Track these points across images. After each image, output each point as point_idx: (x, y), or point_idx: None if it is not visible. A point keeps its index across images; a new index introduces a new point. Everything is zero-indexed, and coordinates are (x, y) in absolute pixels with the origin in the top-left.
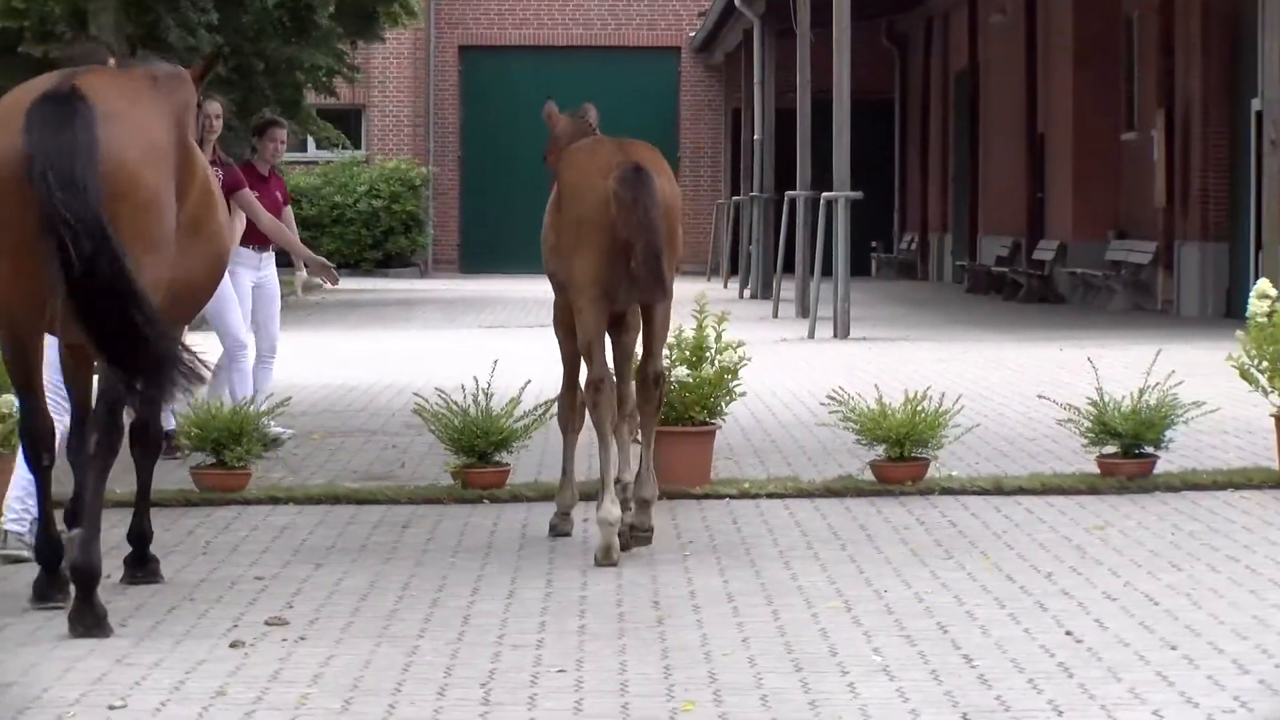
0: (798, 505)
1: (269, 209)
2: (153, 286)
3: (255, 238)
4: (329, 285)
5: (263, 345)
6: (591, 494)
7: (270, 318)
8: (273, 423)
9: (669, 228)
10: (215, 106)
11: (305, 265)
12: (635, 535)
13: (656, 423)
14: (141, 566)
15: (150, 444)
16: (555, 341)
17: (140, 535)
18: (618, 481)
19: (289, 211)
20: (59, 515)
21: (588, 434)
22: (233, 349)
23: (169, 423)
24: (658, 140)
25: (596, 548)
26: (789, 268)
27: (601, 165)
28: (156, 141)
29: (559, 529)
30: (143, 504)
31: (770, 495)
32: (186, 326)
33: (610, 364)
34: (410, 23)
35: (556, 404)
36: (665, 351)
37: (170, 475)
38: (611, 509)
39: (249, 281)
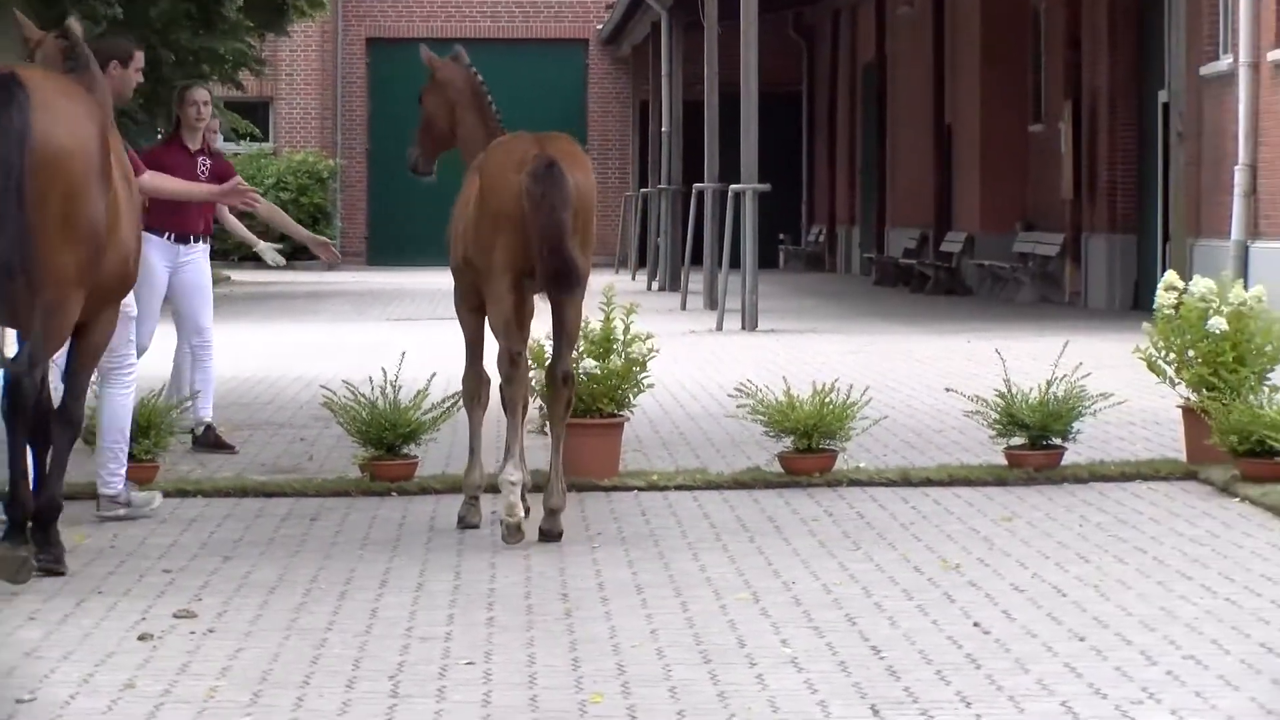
0: (706, 497)
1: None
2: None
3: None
4: (271, 263)
5: (191, 338)
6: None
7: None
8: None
9: (582, 223)
10: (203, 93)
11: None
12: (545, 537)
13: (565, 424)
14: (47, 547)
15: (65, 423)
16: (460, 328)
17: (50, 501)
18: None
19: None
20: None
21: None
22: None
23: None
24: (565, 132)
25: (501, 507)
26: (697, 260)
27: (517, 159)
28: (88, 135)
29: (467, 520)
30: (56, 474)
31: (678, 487)
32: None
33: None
34: (317, 15)
35: (461, 383)
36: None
37: (79, 468)
38: (514, 472)
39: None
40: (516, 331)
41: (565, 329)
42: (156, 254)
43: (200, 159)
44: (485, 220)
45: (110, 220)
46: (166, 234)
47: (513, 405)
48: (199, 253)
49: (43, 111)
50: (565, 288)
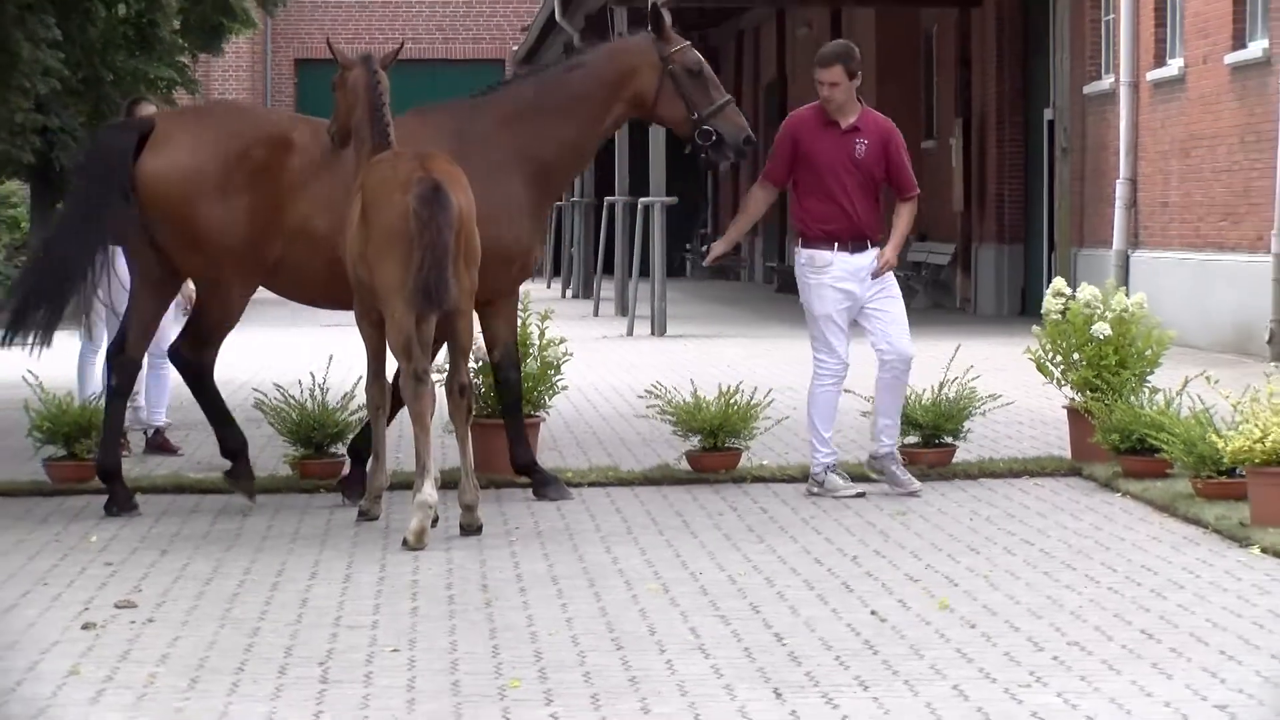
0: (618, 493)
1: None
2: None
3: None
4: None
5: (152, 348)
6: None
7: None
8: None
9: (465, 240)
10: (150, 108)
11: None
12: (465, 532)
13: (468, 429)
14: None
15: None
16: (362, 340)
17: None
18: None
19: None
20: None
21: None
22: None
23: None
24: None
25: (409, 529)
26: (609, 269)
27: (402, 179)
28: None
29: (369, 514)
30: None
31: (592, 484)
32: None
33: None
34: (247, 32)
35: (365, 393)
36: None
37: (24, 466)
38: (431, 493)
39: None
40: (419, 351)
41: (458, 343)
42: (118, 260)
43: None
44: (373, 240)
45: None
46: None
47: (421, 420)
48: None
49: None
50: (436, 305)
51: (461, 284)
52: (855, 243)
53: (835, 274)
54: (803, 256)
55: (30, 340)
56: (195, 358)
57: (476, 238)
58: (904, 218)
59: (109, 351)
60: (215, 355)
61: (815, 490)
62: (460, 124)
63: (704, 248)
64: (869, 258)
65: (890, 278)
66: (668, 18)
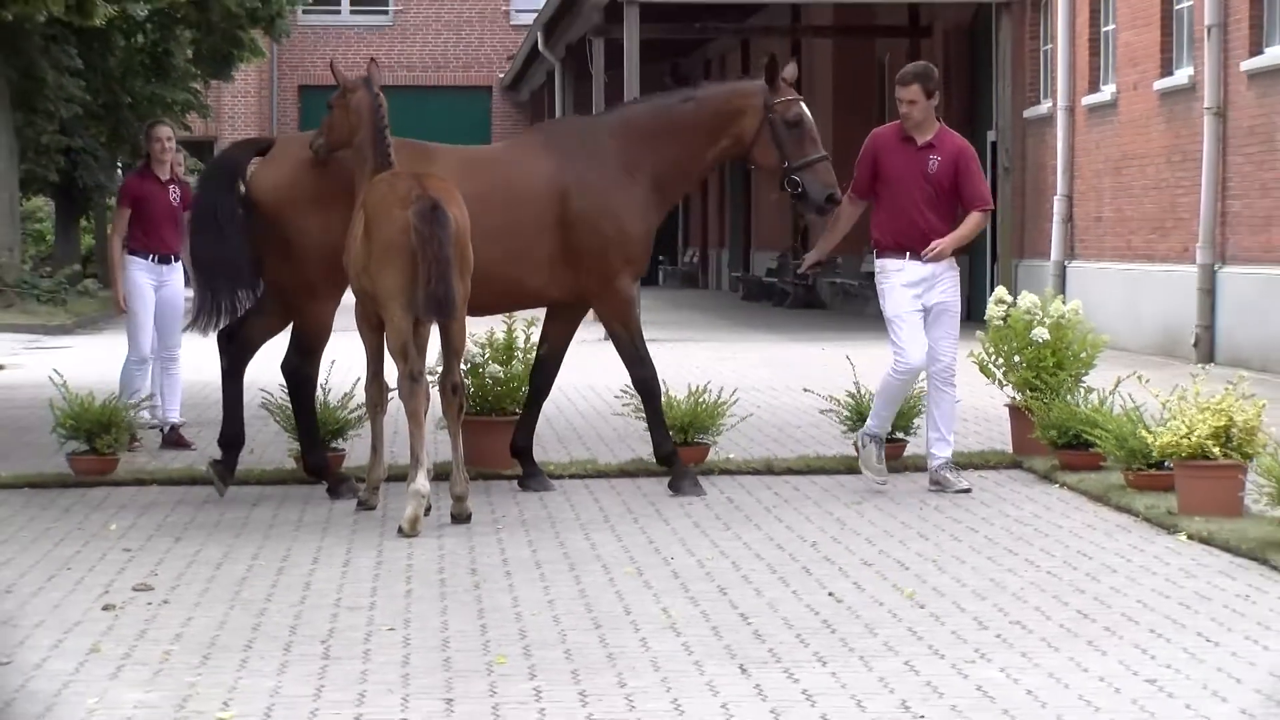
0: (596, 484)
1: (162, 217)
2: None
3: (150, 240)
4: None
5: (160, 350)
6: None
7: (172, 327)
8: (160, 413)
9: (460, 252)
10: (165, 130)
11: None
12: (456, 520)
13: (460, 426)
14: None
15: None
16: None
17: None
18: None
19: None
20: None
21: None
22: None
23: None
24: None
25: (403, 517)
26: None
27: (401, 196)
28: None
29: (366, 503)
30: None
31: (572, 476)
32: None
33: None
34: (255, 60)
35: (364, 392)
36: (480, 350)
37: (49, 460)
38: (424, 483)
39: (148, 287)
40: (415, 353)
41: (452, 346)
42: (143, 273)
43: (171, 187)
44: (375, 253)
45: None
46: (150, 255)
47: (416, 416)
48: (175, 271)
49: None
50: (446, 314)
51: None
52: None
53: (904, 278)
54: (877, 265)
55: (215, 324)
56: (298, 367)
57: (470, 250)
58: (968, 223)
59: (221, 336)
60: (317, 365)
61: (857, 450)
62: (579, 136)
63: (795, 261)
64: (937, 268)
65: (952, 292)
66: (789, 72)
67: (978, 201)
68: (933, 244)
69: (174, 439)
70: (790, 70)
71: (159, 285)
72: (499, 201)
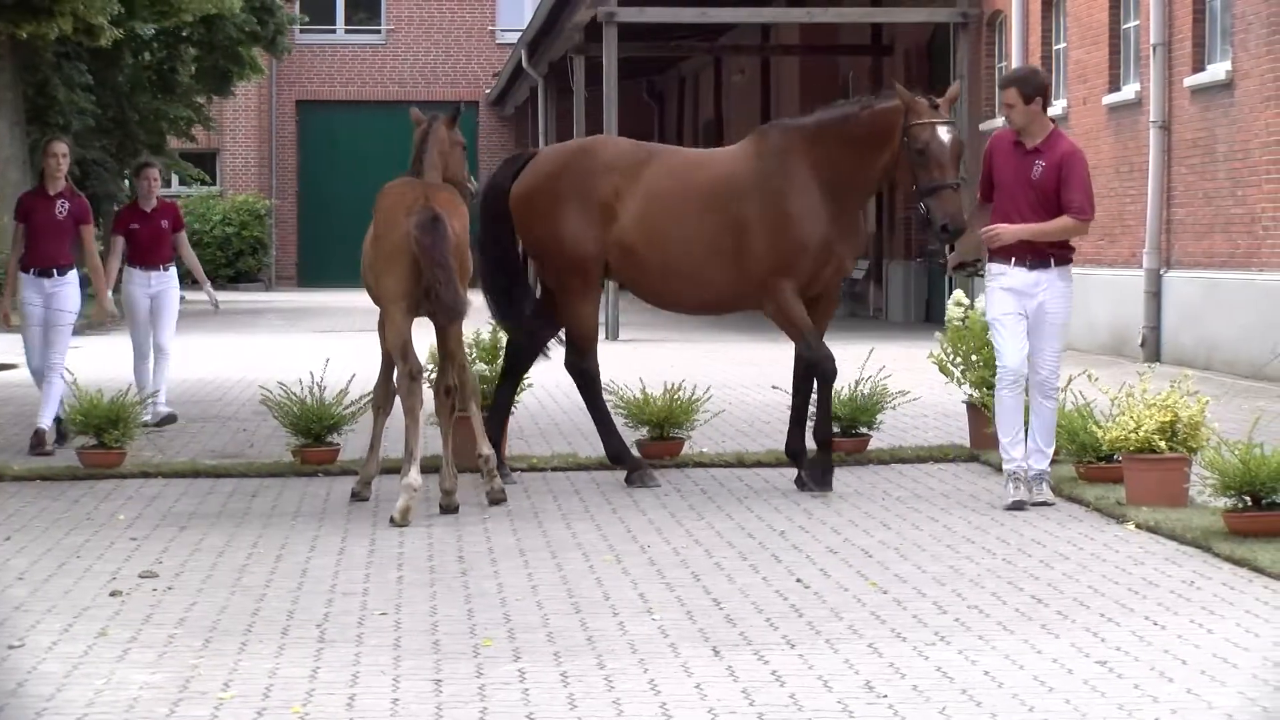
0: (577, 477)
1: (150, 240)
2: None
3: (142, 258)
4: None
5: (44, 359)
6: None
7: (160, 326)
8: (153, 408)
9: (459, 260)
10: (61, 146)
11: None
12: (444, 511)
13: (451, 425)
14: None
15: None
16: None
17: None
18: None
19: (182, 235)
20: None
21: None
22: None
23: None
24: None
25: (395, 508)
26: None
27: (407, 205)
28: None
29: (360, 495)
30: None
31: (554, 469)
32: None
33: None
34: (256, 77)
35: (373, 389)
36: (467, 351)
37: (60, 454)
38: (416, 477)
39: (143, 297)
40: (412, 352)
41: (448, 349)
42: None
43: (60, 201)
44: (380, 257)
45: None
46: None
47: (412, 413)
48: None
49: None
50: (452, 318)
51: None
52: (1032, 260)
53: (1006, 283)
54: (986, 269)
55: (507, 323)
56: (577, 364)
57: (469, 259)
58: (1054, 222)
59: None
60: (595, 360)
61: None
62: (780, 141)
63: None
64: (1043, 276)
65: (1058, 303)
66: (952, 90)
67: (1071, 208)
68: (992, 225)
69: (36, 442)
70: (953, 89)
71: (46, 299)
72: (695, 203)
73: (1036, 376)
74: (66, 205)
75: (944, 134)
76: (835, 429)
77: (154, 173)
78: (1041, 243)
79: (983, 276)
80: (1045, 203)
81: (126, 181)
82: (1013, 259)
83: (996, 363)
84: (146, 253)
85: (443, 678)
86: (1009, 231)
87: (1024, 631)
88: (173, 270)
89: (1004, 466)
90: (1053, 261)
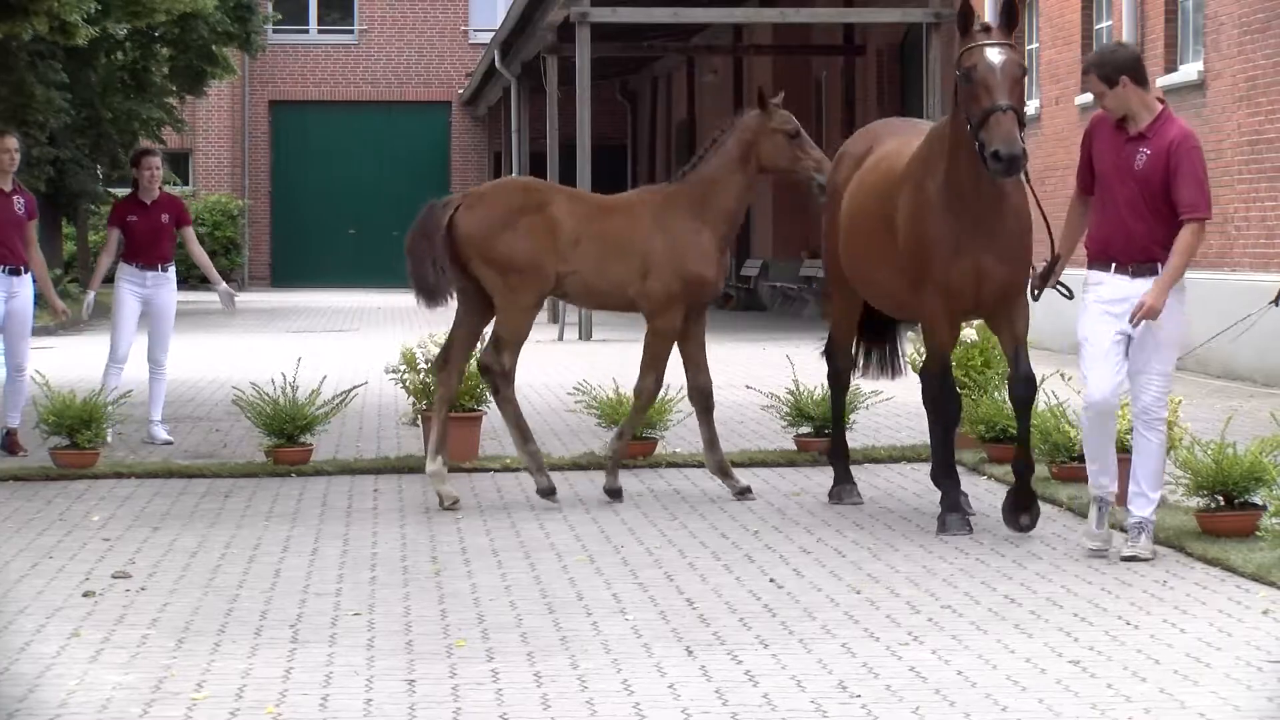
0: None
1: (148, 234)
2: None
3: (138, 254)
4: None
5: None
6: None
7: (156, 336)
8: (159, 428)
9: (459, 249)
10: (12, 141)
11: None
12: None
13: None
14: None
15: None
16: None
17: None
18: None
19: (189, 231)
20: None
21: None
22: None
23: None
24: (432, 179)
25: (435, 495)
26: None
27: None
28: None
29: (547, 489)
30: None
31: (527, 469)
32: None
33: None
34: (228, 77)
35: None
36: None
37: (33, 454)
38: (429, 465)
39: (133, 297)
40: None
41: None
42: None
43: (15, 198)
44: None
45: None
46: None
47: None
48: (25, 284)
49: None
50: (430, 302)
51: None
52: (1135, 265)
53: (1103, 293)
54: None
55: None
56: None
57: (493, 247)
58: (1179, 249)
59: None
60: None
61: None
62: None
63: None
64: (1147, 284)
65: (1165, 318)
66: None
67: (1185, 208)
68: (1140, 305)
69: (8, 444)
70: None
71: (9, 296)
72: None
73: (1138, 404)
74: (22, 201)
75: (992, 55)
76: (808, 428)
77: (155, 160)
78: (1150, 244)
79: (1071, 297)
80: (1149, 199)
81: (133, 181)
82: (1112, 265)
83: (1085, 391)
84: (143, 249)
85: (416, 678)
86: (1159, 302)
87: (997, 631)
88: (172, 271)
89: (1090, 491)
90: (1160, 268)
